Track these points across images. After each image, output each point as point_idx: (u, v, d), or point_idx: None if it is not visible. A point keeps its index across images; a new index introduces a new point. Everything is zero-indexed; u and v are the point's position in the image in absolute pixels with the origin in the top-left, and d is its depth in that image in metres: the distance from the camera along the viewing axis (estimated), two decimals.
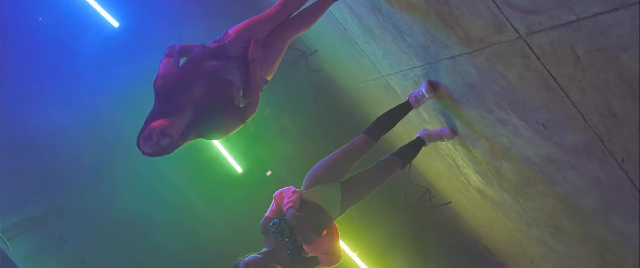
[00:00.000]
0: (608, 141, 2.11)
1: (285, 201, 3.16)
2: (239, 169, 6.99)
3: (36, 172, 6.30)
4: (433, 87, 3.38)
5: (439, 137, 3.73)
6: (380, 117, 3.45)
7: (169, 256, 6.50)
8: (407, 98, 3.50)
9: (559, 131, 2.41)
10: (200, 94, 2.63)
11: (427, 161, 5.39)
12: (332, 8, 3.23)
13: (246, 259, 3.02)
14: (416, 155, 3.62)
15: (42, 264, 5.02)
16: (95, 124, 5.99)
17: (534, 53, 2.09)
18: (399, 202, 6.34)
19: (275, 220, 3.09)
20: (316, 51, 6.21)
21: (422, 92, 3.42)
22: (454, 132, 3.68)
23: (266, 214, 3.20)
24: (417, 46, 3.15)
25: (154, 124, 2.53)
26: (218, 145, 6.85)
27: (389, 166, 3.37)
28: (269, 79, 2.97)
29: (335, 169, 3.23)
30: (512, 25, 2.07)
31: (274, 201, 3.21)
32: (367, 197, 3.31)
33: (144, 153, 2.55)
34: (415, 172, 6.13)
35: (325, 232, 3.16)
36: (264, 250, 3.09)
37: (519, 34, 2.08)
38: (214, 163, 6.80)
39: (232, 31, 2.80)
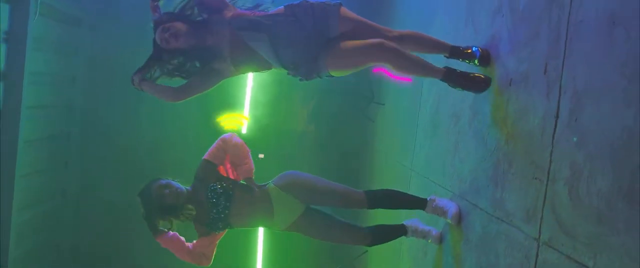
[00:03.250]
0: None
1: (247, 166, 3.18)
2: (243, 129, 7.00)
3: None
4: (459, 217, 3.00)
5: (423, 235, 3.32)
6: (391, 192, 3.25)
7: (136, 130, 6.52)
8: (428, 199, 3.17)
9: None
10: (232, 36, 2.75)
11: (381, 266, 5.32)
12: (428, 80, 3.20)
13: (173, 182, 3.07)
14: (391, 240, 3.44)
15: (39, 53, 5.02)
16: None
17: (536, 261, 2.06)
18: None
19: (218, 187, 3.07)
20: (383, 104, 6.23)
21: (446, 209, 3.04)
22: (441, 238, 3.27)
23: (207, 156, 3.15)
24: (457, 173, 3.13)
25: (178, 25, 2.76)
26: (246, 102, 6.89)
27: (358, 238, 3.27)
28: (332, 73, 2.80)
29: (316, 195, 3.15)
30: (540, 226, 2.05)
31: (224, 146, 3.15)
32: (315, 240, 3.28)
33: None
34: (364, 261, 6.05)
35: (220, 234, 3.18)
36: (188, 188, 3.12)
37: (539, 236, 2.05)
38: (231, 108, 6.80)
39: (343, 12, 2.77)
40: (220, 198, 3.05)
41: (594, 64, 1.81)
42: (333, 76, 2.83)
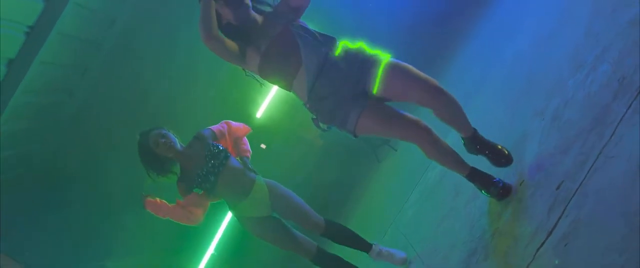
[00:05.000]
0: None
1: (247, 147, 3.49)
2: (258, 114, 7.01)
3: None
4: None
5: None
6: (346, 230, 3.44)
7: (163, 66, 6.54)
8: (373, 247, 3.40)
9: None
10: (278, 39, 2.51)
11: None
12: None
13: (172, 136, 3.20)
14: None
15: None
16: None
17: None
18: None
19: (220, 146, 3.27)
20: (396, 150, 6.23)
21: (394, 256, 3.37)
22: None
23: (214, 128, 3.39)
24: (434, 243, 3.11)
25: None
26: (271, 91, 6.89)
27: (304, 252, 3.35)
28: (357, 132, 2.52)
29: (284, 209, 3.32)
30: None
31: (228, 128, 3.42)
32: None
33: None
34: None
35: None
36: (182, 145, 3.29)
37: None
38: (251, 90, 6.80)
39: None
40: (215, 159, 3.18)
41: (606, 202, 1.79)
42: (352, 136, 2.54)
